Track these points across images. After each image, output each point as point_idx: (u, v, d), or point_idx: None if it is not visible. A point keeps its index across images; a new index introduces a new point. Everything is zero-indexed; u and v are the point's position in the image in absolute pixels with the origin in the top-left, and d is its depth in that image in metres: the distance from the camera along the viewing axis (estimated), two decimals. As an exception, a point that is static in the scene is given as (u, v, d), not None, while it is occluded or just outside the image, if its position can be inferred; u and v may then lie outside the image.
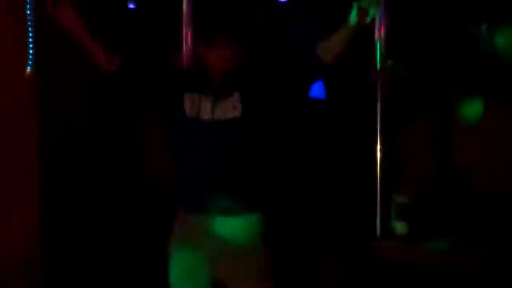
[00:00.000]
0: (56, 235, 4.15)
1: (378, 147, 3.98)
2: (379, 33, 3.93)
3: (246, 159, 3.10)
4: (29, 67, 3.82)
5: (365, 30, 3.43)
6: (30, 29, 3.85)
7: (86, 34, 3.10)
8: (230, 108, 3.09)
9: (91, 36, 3.12)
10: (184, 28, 4.36)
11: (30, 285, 4.09)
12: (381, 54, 3.94)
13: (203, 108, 3.10)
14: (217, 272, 3.12)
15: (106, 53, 3.13)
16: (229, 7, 3.78)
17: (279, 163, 3.50)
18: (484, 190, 4.22)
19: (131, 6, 5.03)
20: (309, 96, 4.95)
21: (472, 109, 4.13)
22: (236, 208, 3.09)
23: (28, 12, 3.83)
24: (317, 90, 5.03)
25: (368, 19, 2.90)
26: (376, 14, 3.01)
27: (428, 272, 3.81)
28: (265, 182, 3.18)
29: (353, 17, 2.90)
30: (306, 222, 4.37)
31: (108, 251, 4.44)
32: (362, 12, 2.89)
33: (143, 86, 3.24)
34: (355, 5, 2.91)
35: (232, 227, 3.09)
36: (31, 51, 3.82)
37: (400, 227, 4.00)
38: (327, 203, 4.47)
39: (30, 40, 3.83)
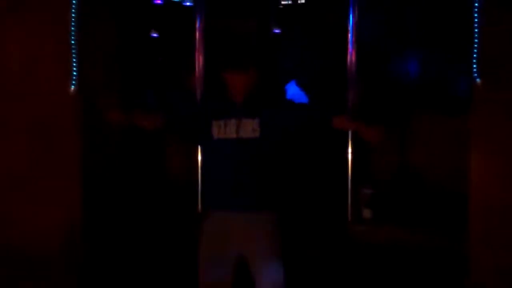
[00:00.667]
0: (95, 213, 4.36)
1: (350, 149, 4.41)
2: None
3: (262, 168, 3.42)
4: (72, 86, 4.23)
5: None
6: (74, 52, 4.19)
7: (131, 120, 3.46)
8: (250, 130, 3.41)
9: (135, 118, 3.45)
10: (196, 54, 4.66)
11: (72, 256, 4.30)
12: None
13: (228, 129, 3.42)
14: (241, 254, 3.43)
15: (150, 121, 3.48)
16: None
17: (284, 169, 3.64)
18: (433, 184, 4.60)
19: (154, 35, 5.34)
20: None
21: None
22: (254, 205, 3.42)
23: (72, 37, 4.19)
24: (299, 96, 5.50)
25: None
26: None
27: (389, 249, 4.17)
28: (279, 184, 3.50)
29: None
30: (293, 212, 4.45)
31: (141, 228, 4.62)
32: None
33: (181, 126, 3.62)
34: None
35: (252, 220, 3.41)
36: (74, 73, 4.20)
37: (367, 213, 4.40)
38: (309, 196, 4.73)
39: (74, 62, 4.20)
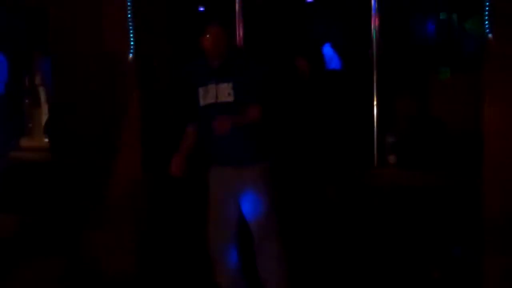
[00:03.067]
0: (155, 170, 4.43)
1: (375, 102, 4.53)
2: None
3: (243, 128, 3.44)
4: (131, 54, 4.33)
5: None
6: (130, 22, 4.29)
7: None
8: (226, 94, 3.47)
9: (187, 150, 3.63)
10: (237, 24, 4.80)
11: (136, 207, 4.44)
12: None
13: (209, 95, 3.50)
14: (241, 203, 3.60)
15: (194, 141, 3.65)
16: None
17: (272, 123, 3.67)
18: (452, 130, 4.70)
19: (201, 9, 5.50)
20: (328, 68, 5.54)
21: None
22: (248, 159, 3.55)
23: (129, 11, 4.28)
24: (335, 62, 5.69)
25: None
26: None
27: (411, 190, 4.25)
28: (267, 137, 3.57)
29: None
30: (324, 157, 4.71)
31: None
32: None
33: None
34: None
35: (247, 173, 3.55)
36: (132, 40, 4.31)
37: (391, 159, 4.50)
38: (341, 142, 4.84)
39: (131, 31, 4.30)
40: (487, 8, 3.74)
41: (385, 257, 4.27)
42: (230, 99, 3.47)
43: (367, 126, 4.54)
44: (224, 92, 3.48)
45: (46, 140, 7.86)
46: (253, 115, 3.46)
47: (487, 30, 3.74)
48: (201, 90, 3.54)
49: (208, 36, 3.47)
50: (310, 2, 5.24)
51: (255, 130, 3.55)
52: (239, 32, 4.83)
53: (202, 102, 3.55)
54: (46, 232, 5.13)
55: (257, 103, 3.47)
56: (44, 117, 8.56)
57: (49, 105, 8.23)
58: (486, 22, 3.74)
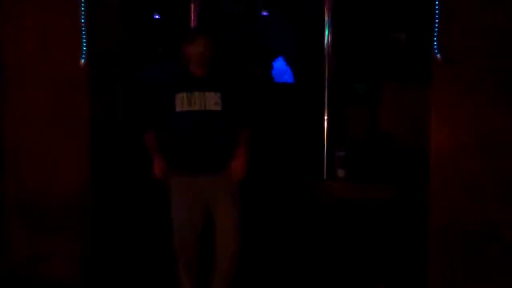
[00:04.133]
0: (102, 175, 4.38)
1: (326, 117, 4.54)
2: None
3: (224, 136, 3.52)
4: (82, 59, 4.21)
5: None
6: (83, 27, 4.18)
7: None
8: (213, 103, 3.49)
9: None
10: None
11: (81, 211, 4.28)
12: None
13: (192, 102, 3.48)
14: (206, 204, 3.63)
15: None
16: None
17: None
18: (398, 146, 4.80)
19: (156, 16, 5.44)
20: (281, 81, 5.54)
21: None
22: (216, 167, 3.55)
23: (82, 15, 4.18)
24: (287, 75, 5.69)
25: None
26: None
27: (360, 203, 4.32)
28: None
29: None
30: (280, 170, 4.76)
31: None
32: None
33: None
34: None
35: (215, 179, 3.56)
36: (84, 48, 4.20)
37: (340, 172, 4.52)
38: (293, 157, 4.92)
39: (84, 36, 4.18)
40: (436, 29, 3.80)
41: (333, 270, 4.29)
42: (218, 108, 3.51)
43: (318, 140, 4.56)
44: (211, 100, 3.51)
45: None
46: (247, 139, 3.54)
47: (436, 51, 3.79)
48: (179, 96, 3.52)
49: (194, 44, 3.48)
50: (264, 15, 5.20)
51: (230, 138, 3.58)
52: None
53: (180, 108, 3.52)
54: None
55: (241, 113, 3.57)
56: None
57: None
58: (435, 43, 3.80)
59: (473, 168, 3.69)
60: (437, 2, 3.75)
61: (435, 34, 3.78)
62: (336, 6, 4.48)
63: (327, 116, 4.53)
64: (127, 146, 4.69)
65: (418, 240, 3.95)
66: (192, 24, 4.82)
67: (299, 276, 4.27)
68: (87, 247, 4.35)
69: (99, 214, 4.40)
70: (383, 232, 4.27)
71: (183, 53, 3.53)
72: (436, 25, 3.77)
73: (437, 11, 3.76)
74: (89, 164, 4.32)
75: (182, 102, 3.52)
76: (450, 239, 3.75)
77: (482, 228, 3.68)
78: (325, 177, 4.58)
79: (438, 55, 3.77)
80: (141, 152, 4.53)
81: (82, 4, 4.23)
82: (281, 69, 5.79)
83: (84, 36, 4.24)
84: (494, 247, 3.67)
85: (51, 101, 4.35)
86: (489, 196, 3.66)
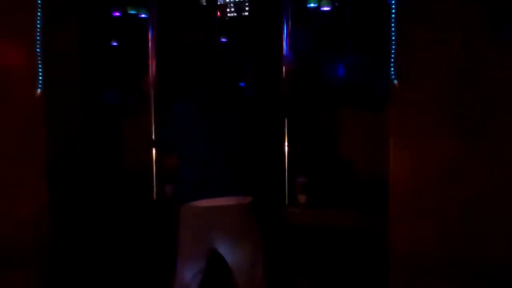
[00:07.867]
0: (61, 212, 4.27)
1: (286, 143, 4.46)
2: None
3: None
4: (39, 89, 4.11)
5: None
6: (39, 59, 4.07)
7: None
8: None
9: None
10: (150, 61, 4.70)
11: (38, 250, 4.15)
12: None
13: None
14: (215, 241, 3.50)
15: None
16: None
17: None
18: (360, 174, 4.72)
19: (114, 43, 5.26)
20: None
21: None
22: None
23: (38, 45, 4.08)
24: None
25: None
26: None
27: (320, 229, 4.26)
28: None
29: None
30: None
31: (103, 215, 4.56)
32: None
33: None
34: None
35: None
36: (40, 78, 4.10)
37: (301, 198, 4.44)
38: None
39: (40, 68, 4.09)
40: (392, 55, 3.73)
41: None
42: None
43: (279, 166, 4.46)
44: None
45: None
46: None
47: (393, 77, 3.72)
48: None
49: None
50: (223, 41, 5.12)
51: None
52: (152, 68, 4.74)
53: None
54: None
55: None
56: None
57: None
58: (392, 69, 3.73)
59: (432, 193, 3.64)
60: (393, 25, 3.69)
61: (392, 61, 3.72)
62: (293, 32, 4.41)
63: (287, 142, 4.45)
64: (86, 178, 4.56)
65: (380, 266, 3.87)
66: (149, 52, 4.72)
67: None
68: (44, 284, 4.16)
69: (56, 250, 4.23)
70: (345, 258, 4.19)
71: None
72: (393, 50, 3.71)
73: (393, 34, 3.70)
74: (46, 197, 4.13)
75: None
76: (410, 265, 3.69)
77: (443, 251, 3.63)
78: (286, 202, 4.48)
79: (395, 81, 3.70)
80: (100, 184, 4.71)
81: (38, 33, 4.08)
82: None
83: (40, 65, 4.07)
84: (455, 270, 3.62)
85: (7, 133, 4.17)
86: (448, 220, 3.60)
